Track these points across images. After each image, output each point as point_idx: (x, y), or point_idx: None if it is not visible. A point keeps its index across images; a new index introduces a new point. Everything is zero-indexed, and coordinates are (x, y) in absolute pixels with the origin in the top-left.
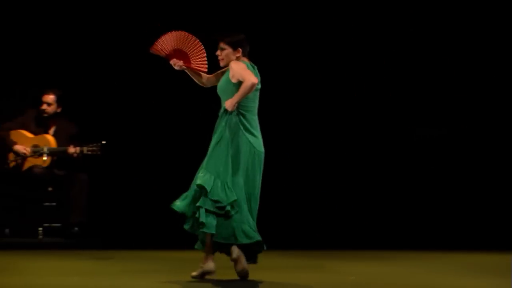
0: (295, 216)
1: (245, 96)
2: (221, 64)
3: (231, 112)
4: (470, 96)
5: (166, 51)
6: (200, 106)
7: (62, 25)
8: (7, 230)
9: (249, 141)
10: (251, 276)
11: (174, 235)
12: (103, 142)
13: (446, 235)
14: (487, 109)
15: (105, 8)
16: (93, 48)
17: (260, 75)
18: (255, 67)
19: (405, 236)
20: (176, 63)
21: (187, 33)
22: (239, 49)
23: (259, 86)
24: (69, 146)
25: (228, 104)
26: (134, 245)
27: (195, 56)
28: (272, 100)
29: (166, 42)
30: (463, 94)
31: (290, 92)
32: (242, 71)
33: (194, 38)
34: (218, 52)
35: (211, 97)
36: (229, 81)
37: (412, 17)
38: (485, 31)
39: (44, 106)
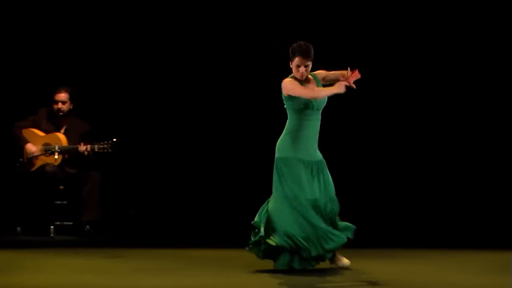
0: None
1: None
2: (303, 78)
3: None
4: (470, 94)
5: None
6: (210, 104)
7: (72, 23)
8: (19, 229)
9: None
10: (276, 276)
11: (185, 232)
12: (114, 139)
13: (456, 233)
14: (487, 107)
15: (117, 7)
16: (104, 45)
17: None
18: None
19: (420, 234)
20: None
21: None
22: None
23: None
24: (80, 144)
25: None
26: (147, 243)
27: None
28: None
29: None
30: (463, 91)
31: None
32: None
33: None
34: (305, 69)
35: (220, 94)
36: None
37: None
38: (484, 31)
39: (60, 105)
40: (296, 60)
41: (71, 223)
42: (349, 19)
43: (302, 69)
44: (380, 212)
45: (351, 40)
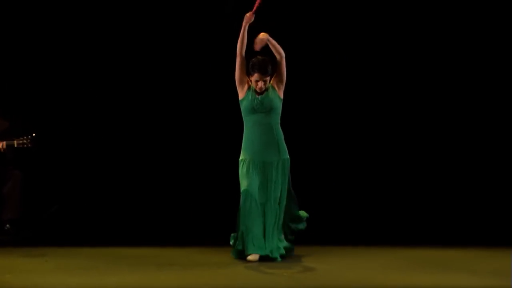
0: None
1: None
2: (261, 91)
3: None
4: (469, 93)
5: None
6: (130, 98)
7: None
8: None
9: None
10: (200, 273)
11: (108, 230)
12: (34, 134)
13: (411, 231)
14: (484, 106)
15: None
16: (21, 39)
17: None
18: None
19: (365, 231)
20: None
21: None
22: None
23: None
24: None
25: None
26: (68, 242)
27: None
28: None
29: None
30: (462, 90)
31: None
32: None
33: None
34: (263, 84)
35: (140, 88)
36: (279, 98)
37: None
38: (483, 30)
39: None
40: (256, 76)
41: None
42: (348, 20)
43: (260, 83)
44: (346, 210)
45: (350, 40)
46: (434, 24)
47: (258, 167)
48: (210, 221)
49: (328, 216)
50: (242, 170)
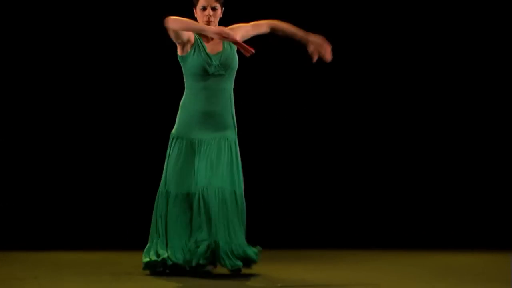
0: None
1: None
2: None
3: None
4: (469, 93)
5: None
6: (68, 90)
7: None
8: None
9: None
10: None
11: (49, 232)
12: None
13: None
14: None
15: None
16: None
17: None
18: None
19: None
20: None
21: None
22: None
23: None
24: None
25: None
26: (3, 246)
27: None
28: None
29: None
30: (462, 90)
31: (283, 86)
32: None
33: None
34: (211, 12)
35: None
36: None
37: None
38: (483, 30)
39: None
40: (201, 1)
41: None
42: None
43: (208, 11)
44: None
45: (349, 39)
46: (429, 22)
47: (203, 146)
48: None
49: (326, 216)
50: (174, 149)
